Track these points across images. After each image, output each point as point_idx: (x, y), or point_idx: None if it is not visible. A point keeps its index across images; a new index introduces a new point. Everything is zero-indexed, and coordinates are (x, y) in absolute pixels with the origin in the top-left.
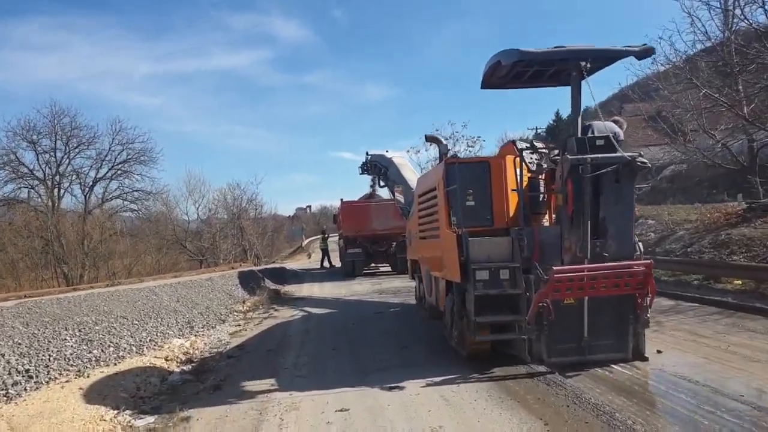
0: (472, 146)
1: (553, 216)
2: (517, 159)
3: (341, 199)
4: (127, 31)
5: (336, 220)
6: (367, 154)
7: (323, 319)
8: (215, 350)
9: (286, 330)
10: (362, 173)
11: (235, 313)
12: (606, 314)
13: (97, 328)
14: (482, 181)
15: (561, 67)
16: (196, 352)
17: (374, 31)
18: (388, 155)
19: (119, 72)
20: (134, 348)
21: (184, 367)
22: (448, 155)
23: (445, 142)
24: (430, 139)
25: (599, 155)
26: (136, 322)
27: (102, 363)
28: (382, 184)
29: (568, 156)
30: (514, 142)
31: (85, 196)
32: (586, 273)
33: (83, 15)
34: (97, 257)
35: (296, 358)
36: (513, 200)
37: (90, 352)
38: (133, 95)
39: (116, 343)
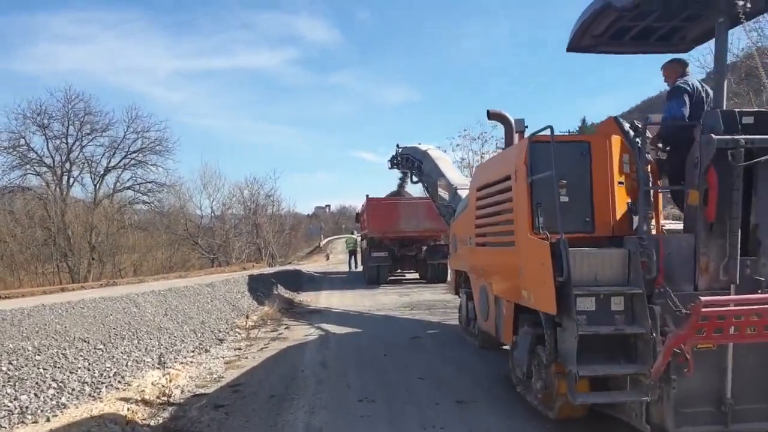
0: (501, 148)
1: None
2: (624, 141)
3: (367, 195)
4: (153, 27)
5: (359, 218)
6: (397, 146)
7: (345, 343)
8: (202, 389)
9: (297, 360)
10: (392, 167)
11: (237, 331)
12: (758, 366)
13: (38, 358)
14: (580, 168)
15: (695, 15)
16: (176, 391)
17: (399, 33)
18: (423, 147)
19: (144, 66)
20: (88, 388)
21: (153, 422)
22: (524, 134)
23: (512, 120)
24: (494, 115)
25: (757, 137)
26: (101, 347)
27: (29, 416)
28: (415, 179)
29: (713, 136)
30: (615, 118)
31: (95, 186)
32: (747, 307)
33: (110, 10)
34: (103, 252)
35: (309, 414)
36: (620, 197)
37: (14, 400)
38: (157, 89)
39: (61, 382)
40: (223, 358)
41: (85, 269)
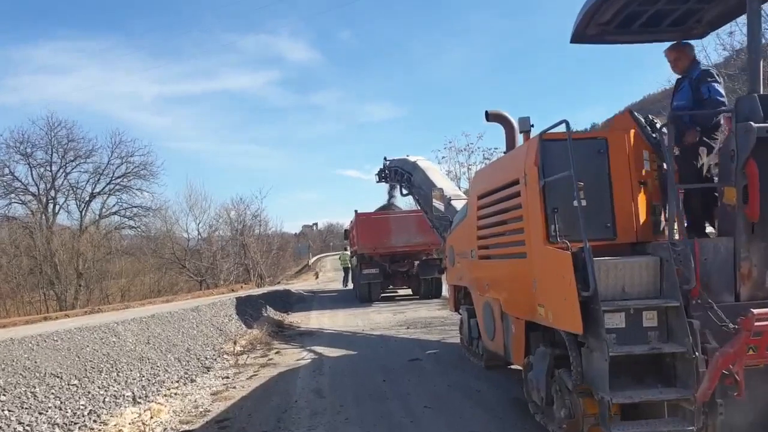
0: (489, 158)
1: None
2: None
3: (355, 211)
4: (136, 53)
5: (348, 235)
6: (385, 159)
7: (339, 368)
8: (186, 425)
9: (289, 389)
10: (380, 181)
11: (225, 357)
12: None
13: (2, 398)
14: (597, 168)
15: None
16: (158, 429)
17: (380, 52)
18: (412, 158)
19: (128, 93)
20: (59, 430)
21: None
22: (530, 134)
23: (514, 120)
24: (493, 116)
25: None
26: (75, 383)
27: None
28: (405, 192)
29: (753, 124)
30: (630, 111)
31: (81, 212)
32: None
33: (94, 38)
34: (90, 278)
35: None
36: (643, 198)
37: None
38: (142, 115)
39: (28, 425)
40: (210, 388)
41: (72, 296)
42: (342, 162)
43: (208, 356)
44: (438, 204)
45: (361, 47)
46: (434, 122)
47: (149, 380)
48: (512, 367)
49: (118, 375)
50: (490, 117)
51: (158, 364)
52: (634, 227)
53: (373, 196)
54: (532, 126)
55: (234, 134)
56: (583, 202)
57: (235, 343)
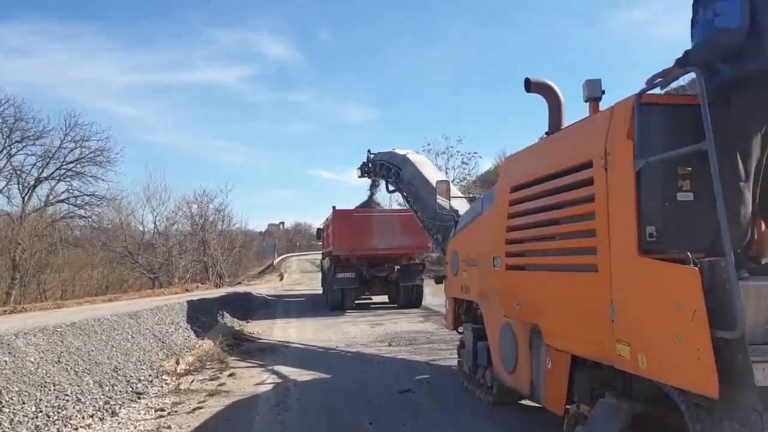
0: (467, 163)
1: None
2: None
3: (333, 207)
4: (108, 40)
5: (321, 235)
6: (369, 152)
7: (311, 400)
8: None
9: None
10: (362, 176)
11: (164, 379)
12: None
13: None
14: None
15: None
16: None
17: (359, 54)
18: (400, 152)
19: (96, 80)
20: None
21: None
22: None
23: (560, 93)
24: (537, 86)
25: None
26: None
27: None
28: (391, 188)
29: None
30: None
31: (23, 198)
32: None
33: (59, 23)
34: (26, 271)
35: None
36: None
37: None
38: (109, 103)
39: None
40: (136, 425)
41: (3, 291)
42: (314, 162)
43: (143, 377)
44: (442, 200)
45: (340, 48)
46: (410, 126)
47: (49, 416)
48: (526, 403)
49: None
50: (532, 86)
51: (68, 392)
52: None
53: (345, 198)
54: (603, 92)
55: (204, 128)
56: (688, 196)
57: (177, 363)
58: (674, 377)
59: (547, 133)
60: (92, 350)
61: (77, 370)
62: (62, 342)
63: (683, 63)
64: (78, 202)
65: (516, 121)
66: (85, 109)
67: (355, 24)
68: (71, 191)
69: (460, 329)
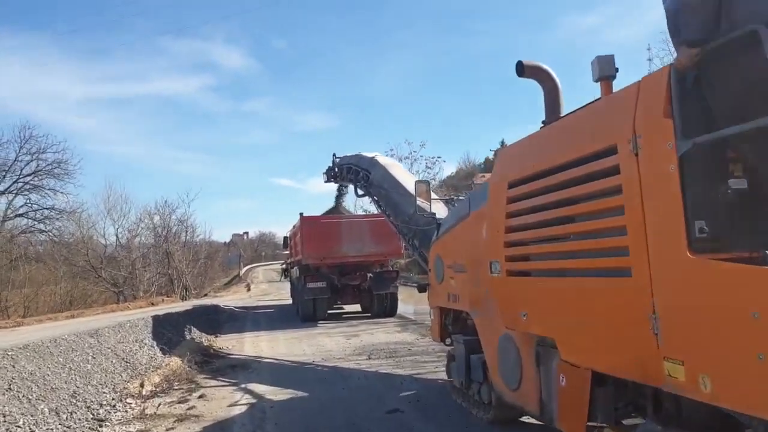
0: (431, 167)
1: None
2: None
3: (301, 214)
4: (62, 53)
5: (287, 243)
6: (334, 156)
7: (290, 425)
8: None
9: None
10: (328, 181)
11: (128, 402)
12: None
13: None
14: None
15: None
16: None
17: (315, 62)
18: (368, 155)
19: (52, 93)
20: None
21: None
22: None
23: (556, 78)
24: (531, 70)
25: None
26: None
27: None
28: (360, 192)
29: None
30: None
31: None
32: None
33: (12, 35)
34: None
35: None
36: None
37: None
38: (66, 116)
39: None
40: None
41: None
42: (275, 170)
43: (105, 402)
44: (422, 202)
45: (296, 57)
46: (369, 132)
47: None
48: (528, 421)
49: None
50: (525, 71)
51: (20, 423)
52: None
53: (308, 205)
54: (617, 69)
55: (163, 139)
56: (742, 185)
57: (141, 385)
58: (757, 405)
59: (544, 122)
60: (48, 374)
61: (30, 397)
62: (14, 367)
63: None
64: (37, 216)
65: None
66: (41, 123)
67: (309, 32)
68: (30, 205)
69: (448, 341)
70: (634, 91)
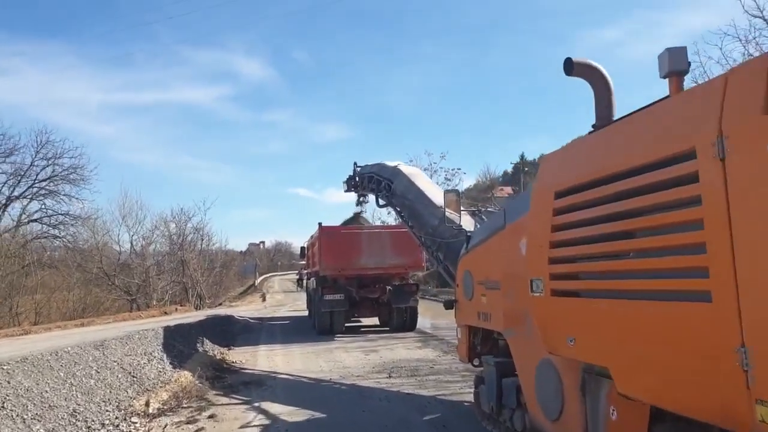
0: (450, 179)
1: None
2: None
3: (320, 223)
4: (83, 61)
5: (305, 253)
6: (355, 165)
7: None
8: None
9: None
10: (348, 190)
11: (133, 422)
12: None
13: None
14: None
15: None
16: None
17: (335, 73)
18: (391, 164)
19: (73, 100)
20: None
21: None
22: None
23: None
24: (580, 68)
25: None
26: None
27: None
28: (381, 202)
29: None
30: None
31: None
32: None
33: (34, 43)
34: None
35: None
36: None
37: None
38: (86, 123)
39: None
40: None
41: None
42: (293, 180)
43: (107, 421)
44: (452, 214)
45: (316, 68)
46: (388, 144)
47: None
48: None
49: None
50: (575, 68)
51: None
52: None
53: (326, 216)
54: (689, 64)
55: (182, 147)
56: None
57: (147, 404)
58: None
59: (594, 126)
60: (46, 391)
61: (25, 417)
62: (9, 383)
63: None
64: (52, 221)
65: (496, 138)
66: (60, 129)
67: (330, 43)
68: (44, 210)
69: (476, 362)
70: (720, 85)
